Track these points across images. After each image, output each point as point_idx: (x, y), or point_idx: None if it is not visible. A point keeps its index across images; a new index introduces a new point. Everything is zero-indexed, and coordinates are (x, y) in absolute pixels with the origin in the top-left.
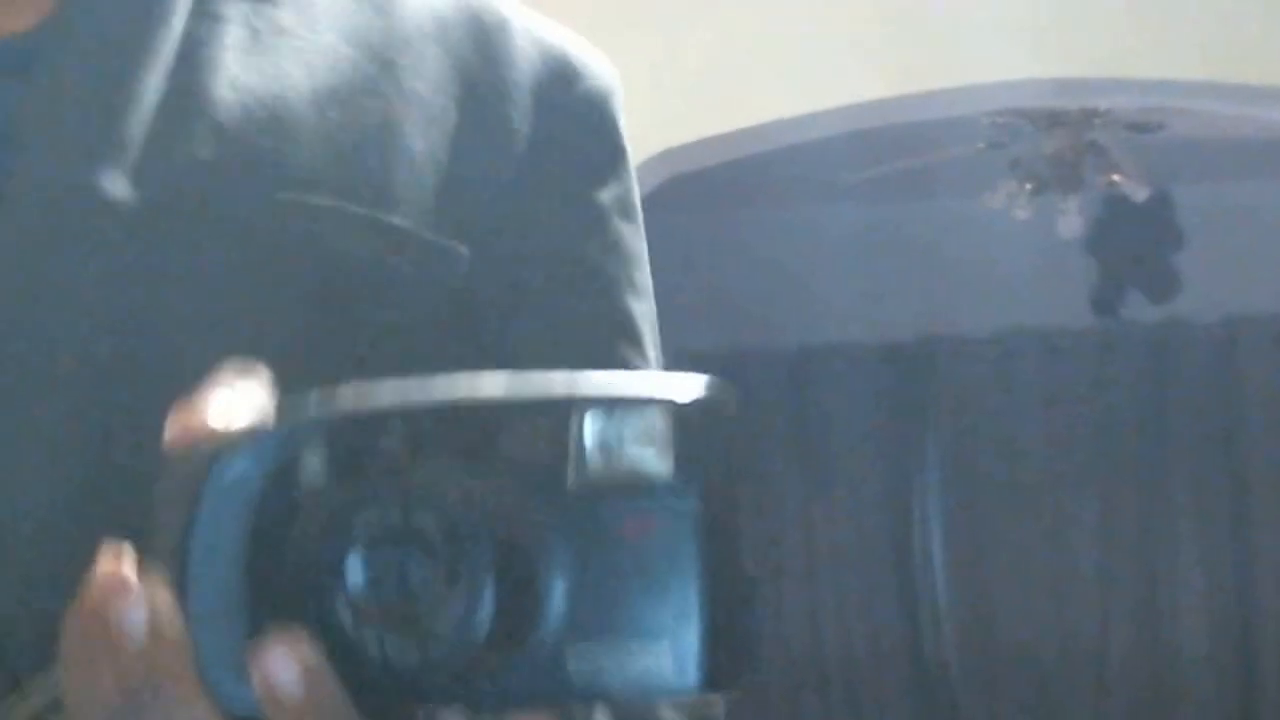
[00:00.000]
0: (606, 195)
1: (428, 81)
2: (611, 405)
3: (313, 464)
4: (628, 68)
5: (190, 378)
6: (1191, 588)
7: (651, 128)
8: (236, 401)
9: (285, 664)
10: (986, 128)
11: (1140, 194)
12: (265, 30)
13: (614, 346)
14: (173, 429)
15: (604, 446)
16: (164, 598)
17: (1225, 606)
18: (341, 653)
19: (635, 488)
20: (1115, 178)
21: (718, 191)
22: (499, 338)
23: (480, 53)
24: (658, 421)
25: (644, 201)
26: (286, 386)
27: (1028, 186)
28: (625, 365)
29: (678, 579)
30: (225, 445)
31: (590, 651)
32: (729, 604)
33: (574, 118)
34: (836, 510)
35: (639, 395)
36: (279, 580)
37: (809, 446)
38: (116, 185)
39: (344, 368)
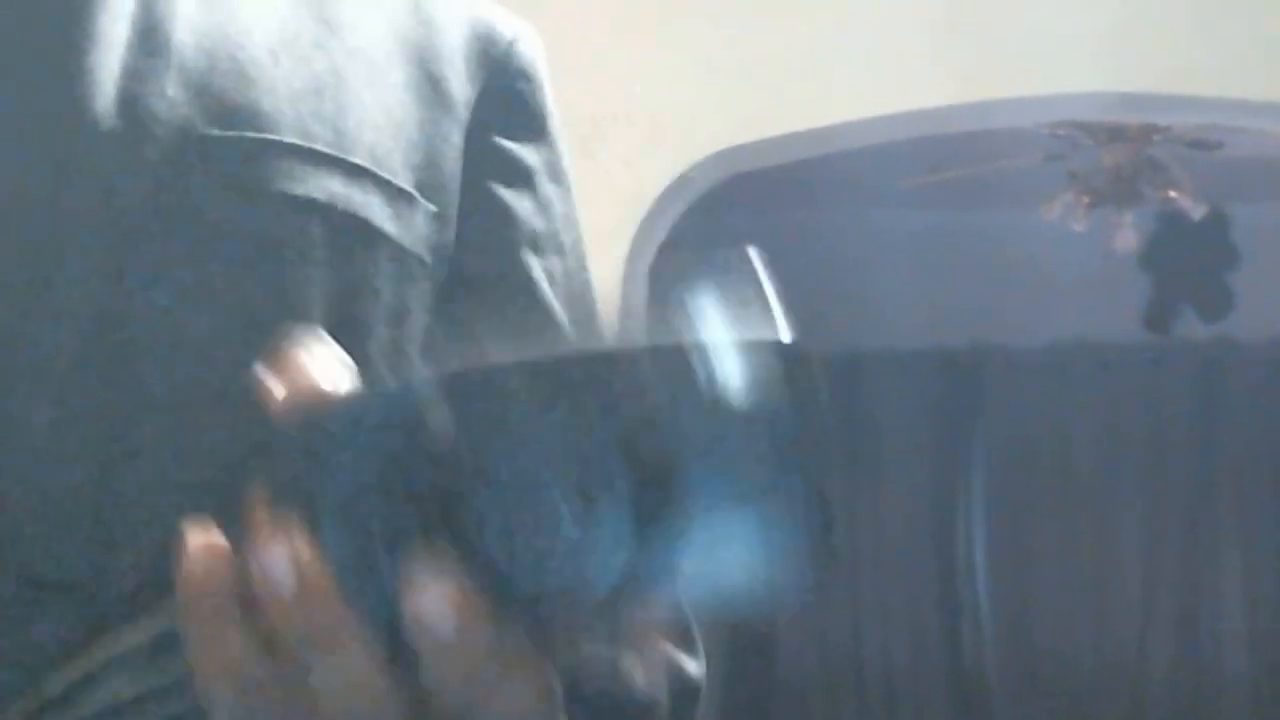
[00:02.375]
0: (536, 158)
1: (370, 40)
2: (719, 348)
3: (436, 417)
4: (691, 64)
5: (170, 319)
6: (1234, 606)
7: (713, 125)
8: (333, 363)
9: (436, 595)
10: (1046, 139)
11: (1197, 211)
12: None
13: (541, 303)
14: (274, 391)
15: (716, 382)
16: (304, 547)
17: (1267, 625)
18: (490, 585)
19: (749, 413)
20: (1172, 194)
21: (776, 192)
22: (441, 295)
23: (415, 16)
24: (763, 355)
25: (703, 198)
26: (265, 329)
27: (1085, 199)
28: (551, 325)
29: (791, 489)
30: (348, 403)
31: (721, 559)
32: (824, 511)
33: (503, 83)
34: (881, 515)
35: (745, 337)
36: (419, 527)
37: (856, 450)
38: (88, 125)
39: (319, 318)
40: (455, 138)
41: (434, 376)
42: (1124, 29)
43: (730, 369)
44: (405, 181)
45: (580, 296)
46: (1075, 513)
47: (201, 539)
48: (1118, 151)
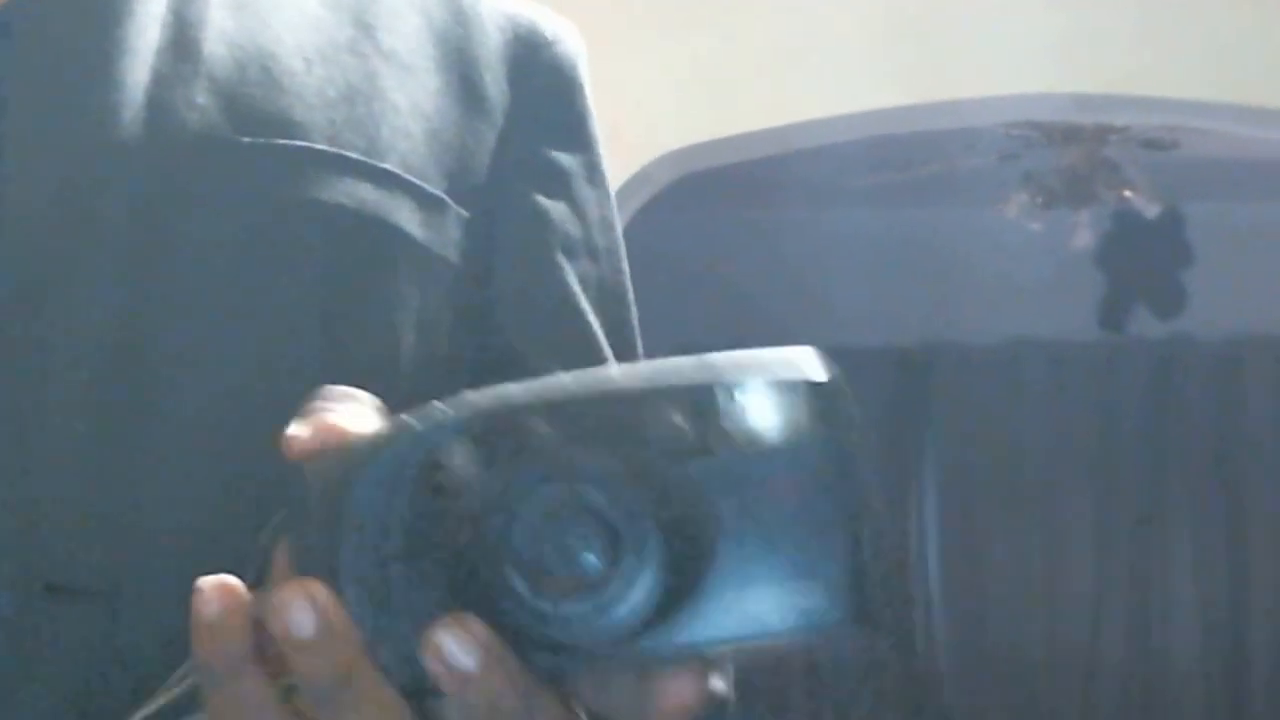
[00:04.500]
0: (573, 161)
1: (406, 44)
2: (748, 383)
3: (461, 458)
4: (646, 66)
5: (195, 328)
6: (1184, 600)
7: (666, 127)
8: (359, 410)
9: (460, 643)
10: (1001, 139)
11: (1151, 210)
12: None
13: (574, 309)
14: (299, 436)
15: (747, 420)
16: (324, 595)
17: (1217, 619)
18: (514, 625)
19: (778, 451)
20: (1127, 193)
21: (730, 192)
22: (473, 293)
23: (454, 19)
24: (793, 394)
25: (656, 200)
26: (294, 338)
27: (1040, 199)
28: (584, 330)
29: (824, 524)
30: (372, 447)
31: (752, 598)
32: (871, 543)
33: (542, 84)
34: None
35: (775, 376)
36: (442, 566)
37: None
38: (117, 134)
39: (347, 326)
40: (490, 141)
41: (458, 415)
42: (1079, 30)
43: (763, 408)
44: (437, 187)
45: (616, 301)
46: (1027, 508)
47: (218, 586)
48: (1073, 152)
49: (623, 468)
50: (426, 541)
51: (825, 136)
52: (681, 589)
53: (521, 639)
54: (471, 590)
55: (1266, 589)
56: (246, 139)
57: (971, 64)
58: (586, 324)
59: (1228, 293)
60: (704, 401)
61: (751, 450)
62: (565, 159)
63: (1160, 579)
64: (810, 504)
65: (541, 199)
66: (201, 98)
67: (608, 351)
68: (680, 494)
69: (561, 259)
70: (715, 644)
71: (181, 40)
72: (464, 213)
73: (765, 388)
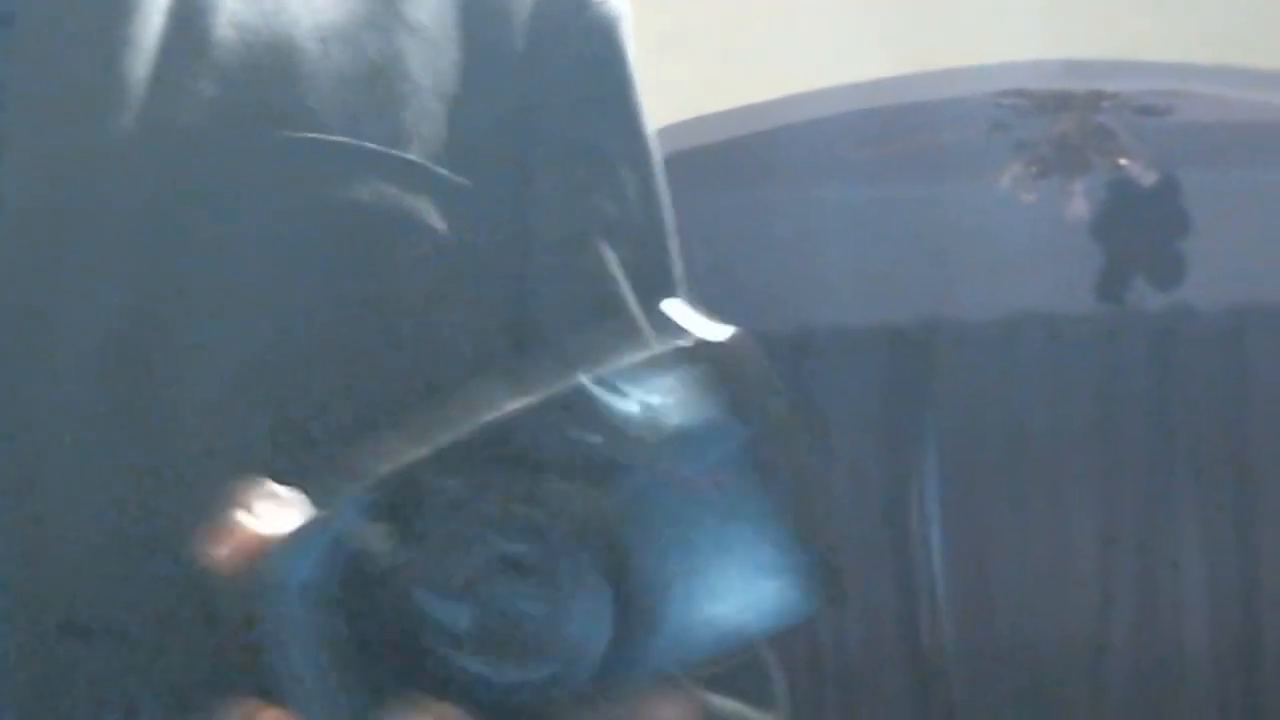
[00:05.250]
0: (611, 134)
1: (430, 14)
2: (632, 373)
3: (374, 534)
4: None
5: (210, 324)
6: (1194, 581)
7: (652, 103)
8: (266, 510)
9: None
10: (991, 109)
11: (1147, 178)
12: None
13: (612, 293)
14: (216, 552)
15: (640, 414)
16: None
17: (1228, 600)
18: (469, 697)
19: (691, 440)
20: (1122, 161)
21: (717, 169)
22: (506, 280)
23: None
24: (687, 370)
25: None
26: (303, 343)
27: (1033, 169)
28: (622, 316)
29: (767, 513)
30: (280, 550)
31: (714, 606)
32: (811, 523)
33: (577, 50)
34: (832, 496)
35: (652, 354)
36: (385, 652)
37: (805, 430)
38: (120, 129)
39: (360, 322)
40: (521, 117)
41: (364, 492)
42: None
43: (653, 385)
44: (461, 171)
45: (659, 283)
46: (1030, 488)
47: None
48: (1065, 119)
49: (536, 507)
50: (365, 634)
51: (812, 111)
52: (634, 611)
53: (485, 711)
54: (424, 670)
55: (1277, 564)
56: (255, 134)
57: (958, 32)
58: (624, 310)
59: (1228, 261)
60: (587, 409)
61: (661, 448)
62: (603, 133)
63: (1168, 559)
64: (745, 493)
65: (577, 176)
66: (209, 89)
67: (650, 336)
68: (607, 523)
69: (599, 242)
70: (682, 660)
71: (189, 28)
72: (489, 196)
73: (651, 373)
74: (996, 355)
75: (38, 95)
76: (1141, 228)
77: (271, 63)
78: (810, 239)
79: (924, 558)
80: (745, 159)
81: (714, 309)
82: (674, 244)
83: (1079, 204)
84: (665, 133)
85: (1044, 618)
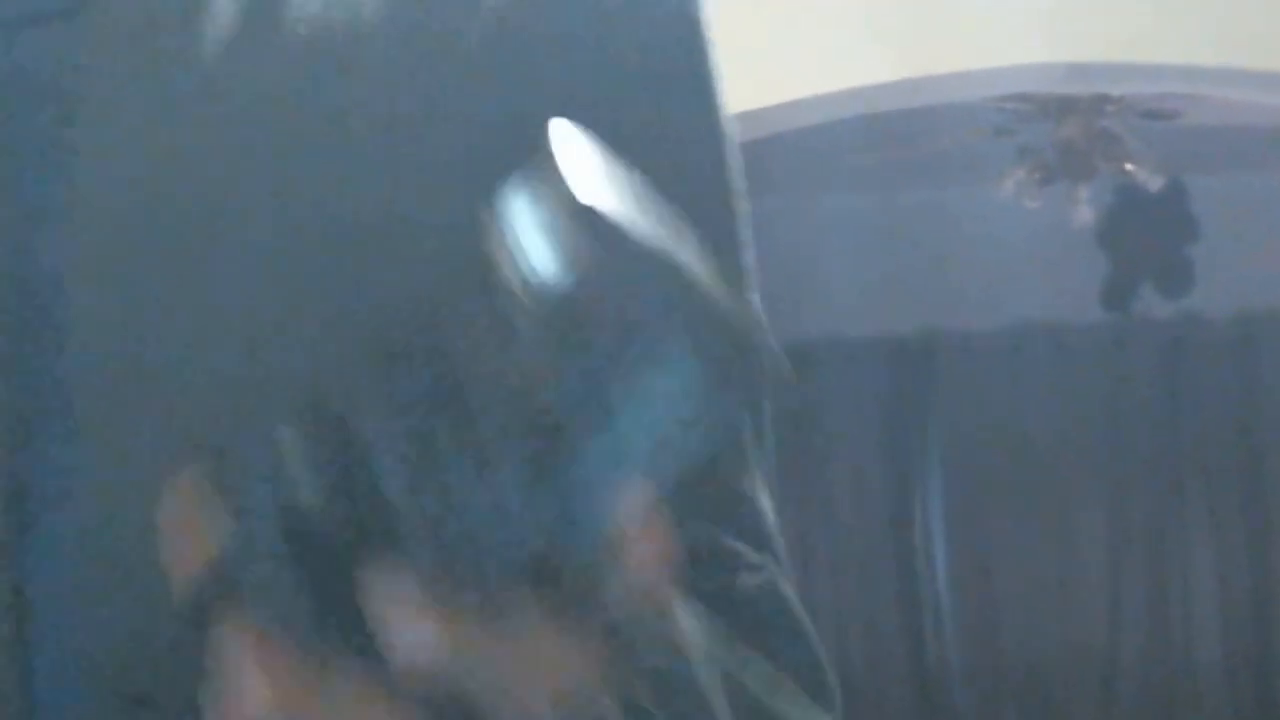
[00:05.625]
0: (690, 126)
1: None
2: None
3: (307, 493)
4: None
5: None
6: (1204, 592)
7: None
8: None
9: (406, 627)
10: (994, 114)
11: (1154, 184)
12: None
13: None
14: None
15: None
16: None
17: (1239, 611)
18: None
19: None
20: (1128, 167)
21: None
22: None
23: None
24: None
25: None
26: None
27: (1037, 175)
28: None
29: (665, 315)
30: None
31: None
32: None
33: (645, 38)
34: (834, 511)
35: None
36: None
37: (807, 444)
38: (189, 130)
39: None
40: (583, 110)
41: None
42: None
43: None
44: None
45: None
46: (1037, 502)
47: None
48: (1070, 124)
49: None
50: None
51: (812, 117)
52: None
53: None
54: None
55: None
56: (309, 142)
57: (960, 36)
58: None
59: (1237, 268)
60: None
61: (543, 291)
62: (684, 127)
63: (1179, 573)
64: (640, 299)
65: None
66: (279, 89)
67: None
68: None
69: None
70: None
71: (260, 22)
72: None
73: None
74: (1001, 366)
75: (108, 94)
76: (1148, 234)
77: (339, 60)
78: (810, 247)
79: (928, 573)
80: (745, 165)
81: None
82: (748, 255)
83: (1084, 210)
84: None
85: (1051, 634)
